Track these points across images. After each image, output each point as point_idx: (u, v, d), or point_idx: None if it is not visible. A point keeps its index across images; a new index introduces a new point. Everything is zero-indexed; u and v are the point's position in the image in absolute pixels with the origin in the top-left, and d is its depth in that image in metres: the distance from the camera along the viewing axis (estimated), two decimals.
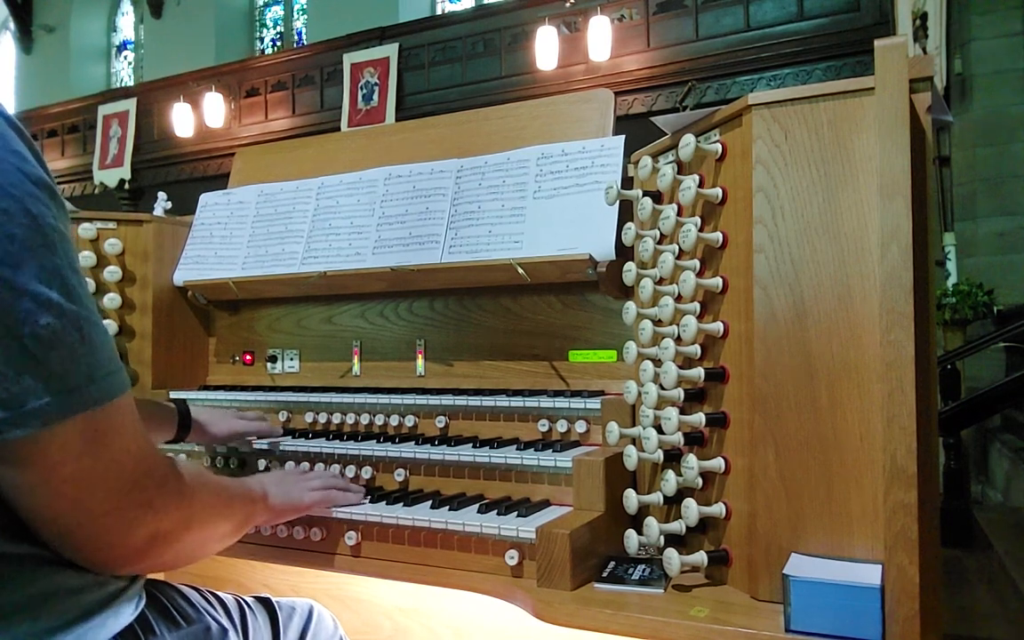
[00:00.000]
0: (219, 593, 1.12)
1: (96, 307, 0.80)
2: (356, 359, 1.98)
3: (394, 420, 1.74)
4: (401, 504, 1.45)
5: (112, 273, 2.00)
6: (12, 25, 13.32)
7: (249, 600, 1.17)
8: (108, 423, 0.78)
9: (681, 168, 1.37)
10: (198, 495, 0.96)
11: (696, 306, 1.28)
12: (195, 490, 0.95)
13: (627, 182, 1.62)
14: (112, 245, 2.01)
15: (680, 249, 1.31)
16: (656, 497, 1.27)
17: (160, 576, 1.04)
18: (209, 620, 1.02)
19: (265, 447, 1.72)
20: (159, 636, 0.91)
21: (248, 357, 2.14)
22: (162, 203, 2.39)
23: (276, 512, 1.34)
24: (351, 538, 1.46)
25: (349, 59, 8.86)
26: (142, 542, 0.85)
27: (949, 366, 4.91)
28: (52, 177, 0.78)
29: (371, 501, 1.48)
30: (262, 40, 11.96)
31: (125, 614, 0.87)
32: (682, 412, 1.26)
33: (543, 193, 1.72)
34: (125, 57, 13.19)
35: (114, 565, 0.85)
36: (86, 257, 1.99)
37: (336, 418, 1.80)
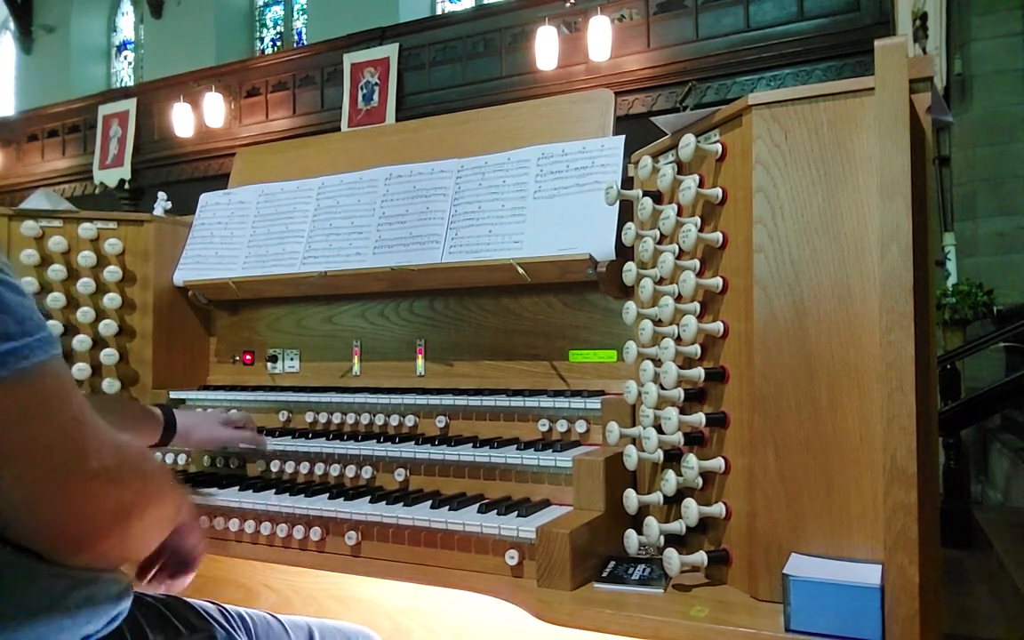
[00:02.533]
0: (250, 612, 1.08)
1: (11, 269, 0.72)
2: (356, 359, 1.98)
3: (394, 420, 1.74)
4: (401, 504, 1.45)
5: (112, 273, 2.00)
6: (12, 25, 13.31)
7: (286, 623, 1.13)
8: (44, 387, 0.71)
9: (681, 168, 1.37)
10: (149, 466, 0.88)
11: (696, 306, 1.28)
12: (147, 460, 0.88)
13: (627, 182, 1.62)
14: (112, 245, 2.01)
15: (680, 249, 1.31)
16: (656, 497, 1.27)
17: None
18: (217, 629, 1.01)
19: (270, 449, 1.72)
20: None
21: (248, 357, 2.14)
22: (162, 203, 2.39)
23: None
24: (351, 538, 1.46)
25: (349, 59, 8.86)
26: (111, 516, 0.79)
27: (949, 366, 4.91)
28: None
29: (371, 501, 1.48)
30: (262, 40, 11.95)
31: (105, 618, 0.82)
32: (682, 412, 1.26)
33: (543, 193, 1.72)
34: (125, 57, 13.19)
35: (82, 544, 0.78)
36: (86, 257, 1.99)
37: (336, 418, 1.80)
